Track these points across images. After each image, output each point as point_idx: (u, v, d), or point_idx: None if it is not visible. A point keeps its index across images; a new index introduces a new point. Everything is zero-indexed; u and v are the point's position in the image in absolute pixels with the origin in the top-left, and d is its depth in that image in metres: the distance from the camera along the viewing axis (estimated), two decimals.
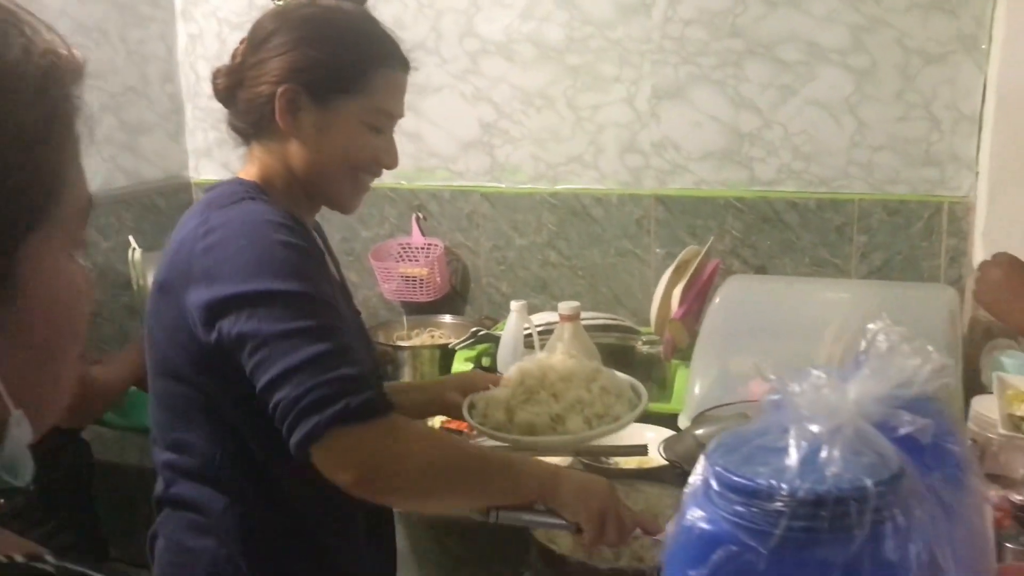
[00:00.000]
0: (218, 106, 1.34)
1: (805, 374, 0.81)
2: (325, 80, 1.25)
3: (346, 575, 1.33)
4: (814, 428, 0.73)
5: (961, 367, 1.81)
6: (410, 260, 2.54)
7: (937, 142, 2.11)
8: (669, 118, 2.28)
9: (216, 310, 1.14)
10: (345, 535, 1.33)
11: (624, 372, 1.96)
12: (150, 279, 1.78)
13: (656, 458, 1.64)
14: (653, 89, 2.28)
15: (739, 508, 0.72)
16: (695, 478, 0.79)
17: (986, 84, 2.03)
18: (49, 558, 0.53)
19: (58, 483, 1.66)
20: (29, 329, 0.54)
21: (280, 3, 1.40)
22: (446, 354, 2.20)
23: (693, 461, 1.51)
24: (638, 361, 2.00)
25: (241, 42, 1.32)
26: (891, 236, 2.17)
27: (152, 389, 1.29)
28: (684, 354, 2.04)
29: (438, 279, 2.48)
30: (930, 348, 0.88)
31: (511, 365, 1.93)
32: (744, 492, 0.72)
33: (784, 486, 0.70)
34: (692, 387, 1.83)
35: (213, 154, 2.67)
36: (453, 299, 2.55)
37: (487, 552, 1.70)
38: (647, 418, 1.85)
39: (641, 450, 1.70)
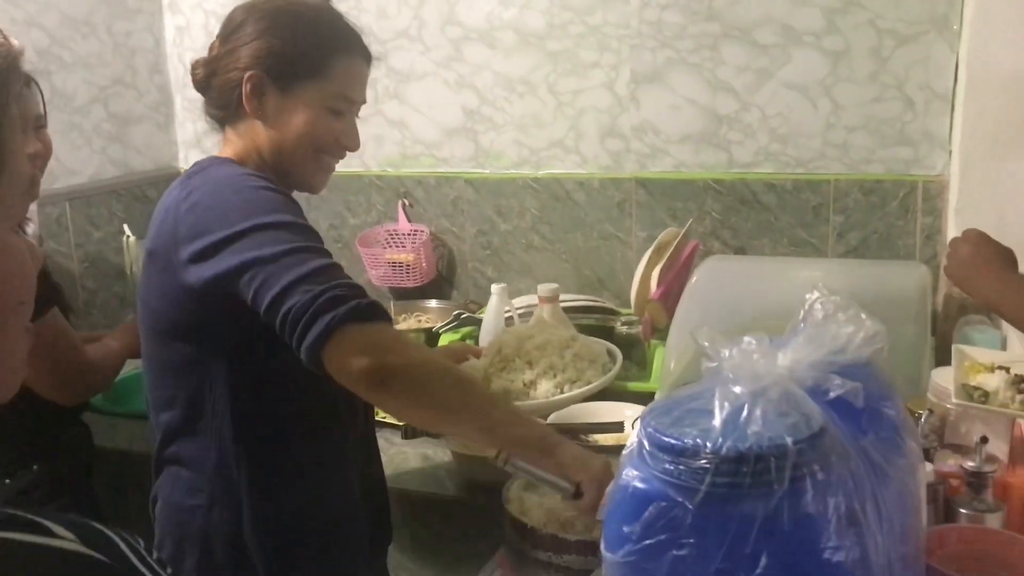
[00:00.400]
0: None
1: (736, 341, 0.85)
2: (287, 67, 1.33)
3: (341, 536, 1.39)
4: (737, 390, 0.77)
5: (933, 342, 1.85)
6: (397, 246, 2.58)
7: (911, 122, 2.14)
8: (648, 102, 2.31)
9: (210, 253, 1.19)
10: (340, 493, 1.39)
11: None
12: None
13: (632, 434, 1.68)
14: (632, 74, 2.31)
15: (668, 466, 0.76)
16: (632, 440, 0.82)
17: (958, 64, 2.06)
18: None
19: (61, 464, 1.70)
20: None
21: None
22: (431, 337, 2.24)
23: None
24: (618, 341, 2.03)
25: (218, 34, 1.39)
26: (867, 215, 2.20)
27: (145, 353, 1.36)
28: (663, 334, 2.07)
29: (424, 265, 2.52)
30: (864, 316, 0.92)
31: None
32: (672, 451, 0.76)
33: (708, 444, 0.74)
34: (668, 365, 1.86)
35: (202, 144, 2.70)
36: (439, 284, 2.59)
37: (469, 530, 1.74)
38: (626, 396, 1.90)
39: (617, 427, 1.74)
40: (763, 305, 1.94)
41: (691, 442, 0.75)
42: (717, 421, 0.75)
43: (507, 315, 1.99)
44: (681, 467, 0.75)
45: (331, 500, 1.38)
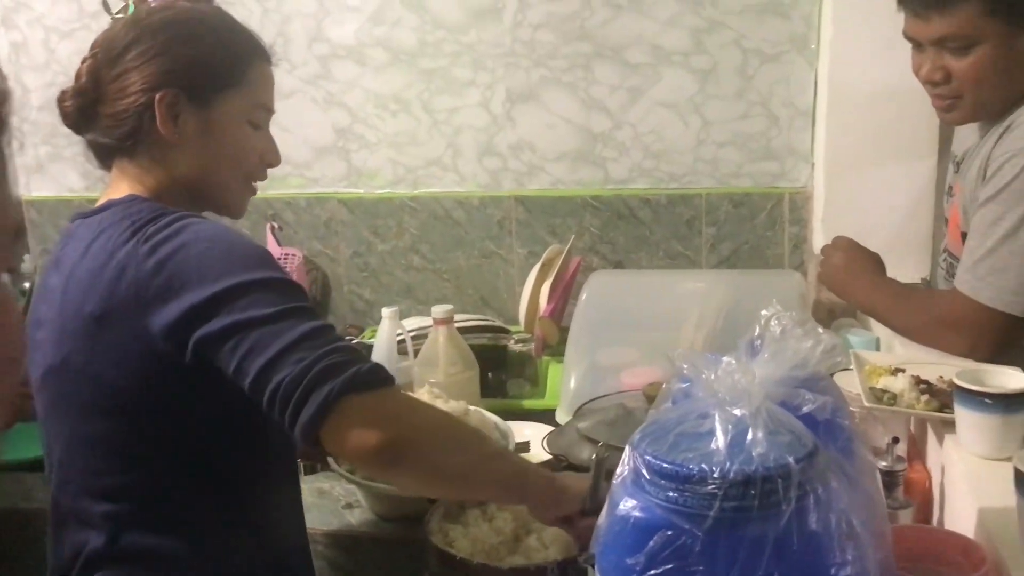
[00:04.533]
0: (49, 119, 1.27)
1: (714, 361, 0.85)
2: (204, 79, 1.21)
3: None
4: (737, 412, 0.77)
5: None
6: None
7: (776, 137, 2.24)
8: (524, 120, 2.32)
9: (191, 318, 1.06)
10: (307, 554, 1.33)
11: (497, 371, 2.00)
12: None
13: (540, 453, 1.67)
14: (507, 92, 2.31)
15: (672, 494, 0.75)
16: (623, 469, 0.81)
17: (817, 81, 2.18)
18: None
19: None
20: None
21: (119, 15, 1.33)
22: None
23: (577, 453, 1.55)
24: (511, 359, 2.02)
25: (84, 61, 1.24)
26: (737, 227, 2.29)
27: (81, 433, 1.18)
28: (554, 350, 2.08)
29: None
30: (820, 330, 0.95)
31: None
32: (676, 478, 0.75)
33: (715, 469, 0.74)
34: (567, 382, 1.87)
35: (46, 170, 2.51)
36: (315, 309, 2.50)
37: (378, 565, 1.68)
38: (522, 414, 1.89)
39: (524, 447, 1.73)
40: (652, 317, 1.99)
41: (696, 468, 0.74)
42: (720, 444, 0.75)
43: (399, 339, 1.94)
44: (687, 494, 0.74)
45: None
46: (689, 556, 0.74)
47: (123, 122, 1.20)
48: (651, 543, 0.75)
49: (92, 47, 1.25)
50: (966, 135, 1.67)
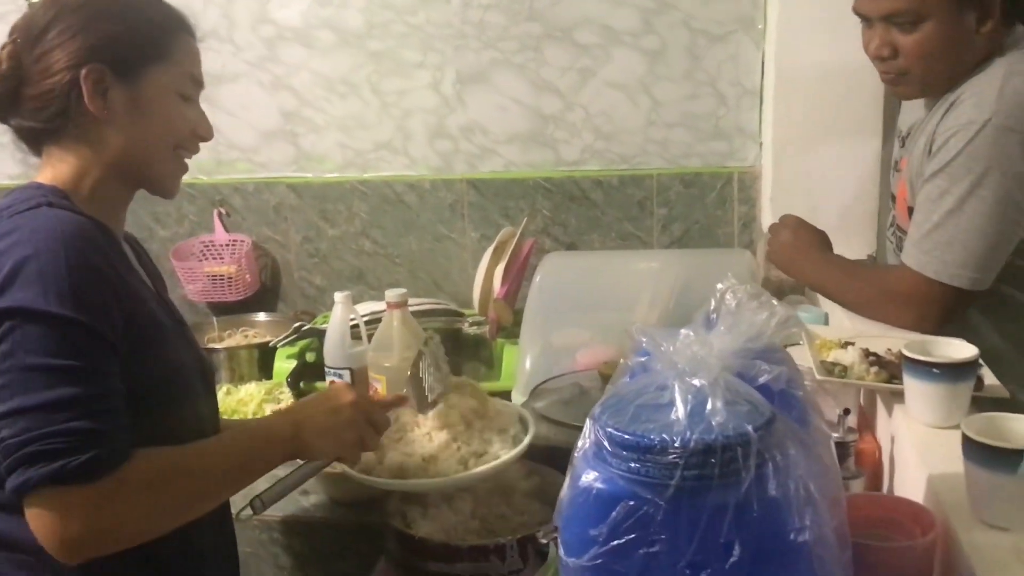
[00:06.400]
0: None
1: (673, 334, 0.86)
2: (130, 52, 1.18)
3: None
4: (696, 382, 0.77)
5: None
6: (215, 258, 2.43)
7: (724, 117, 2.26)
8: (475, 102, 2.31)
9: None
10: (185, 546, 1.26)
11: (453, 355, 1.97)
12: None
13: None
14: (457, 74, 2.29)
15: (633, 464, 0.75)
16: (583, 442, 0.81)
17: (764, 61, 2.20)
18: None
19: None
20: None
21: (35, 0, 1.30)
22: (266, 353, 2.13)
23: (535, 433, 1.55)
24: (466, 342, 2.02)
25: (3, 47, 1.20)
26: (688, 207, 2.31)
27: None
28: (508, 332, 2.08)
29: (247, 276, 2.40)
30: (774, 302, 0.96)
31: (339, 358, 1.92)
32: (637, 449, 0.75)
33: (676, 439, 0.74)
34: (523, 363, 1.87)
35: None
36: (264, 296, 2.47)
37: (334, 549, 1.67)
38: None
39: None
40: (606, 297, 2.00)
41: (657, 438, 0.74)
42: (680, 414, 0.75)
43: (352, 324, 1.92)
44: (649, 464, 0.74)
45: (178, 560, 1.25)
46: (651, 525, 0.74)
47: (50, 102, 1.17)
48: (613, 514, 0.75)
49: (11, 32, 1.21)
50: (911, 110, 1.70)
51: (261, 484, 1.25)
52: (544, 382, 1.74)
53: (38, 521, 1.04)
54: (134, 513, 1.09)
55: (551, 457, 1.46)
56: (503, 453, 1.39)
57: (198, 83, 1.28)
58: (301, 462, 1.30)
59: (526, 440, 1.41)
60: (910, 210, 1.59)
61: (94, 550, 1.07)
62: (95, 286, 1.09)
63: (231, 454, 1.21)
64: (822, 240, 1.79)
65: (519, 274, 2.15)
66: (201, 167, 2.41)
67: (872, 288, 1.60)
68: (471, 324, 2.06)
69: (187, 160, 1.28)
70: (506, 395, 1.86)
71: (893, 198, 1.74)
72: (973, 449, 1.02)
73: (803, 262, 1.78)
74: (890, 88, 1.64)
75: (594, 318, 1.95)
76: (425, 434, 1.40)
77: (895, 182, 1.72)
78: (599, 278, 2.06)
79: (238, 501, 1.29)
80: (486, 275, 2.11)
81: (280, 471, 1.28)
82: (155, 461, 1.11)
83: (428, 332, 1.47)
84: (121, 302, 1.12)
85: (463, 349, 2.02)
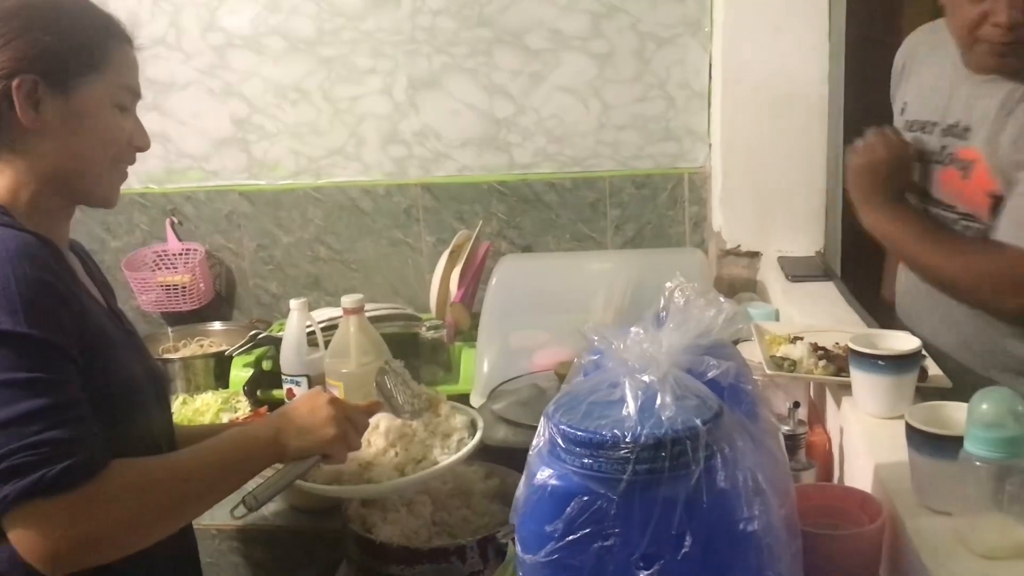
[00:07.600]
0: None
1: (623, 332, 0.88)
2: (64, 63, 1.16)
3: None
4: (646, 379, 0.79)
5: None
6: (168, 268, 2.41)
7: (673, 118, 2.29)
8: (427, 107, 2.32)
9: None
10: (145, 556, 1.25)
11: (410, 359, 1.98)
12: None
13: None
14: (409, 79, 2.30)
15: (587, 460, 0.77)
16: (538, 440, 0.83)
17: (711, 63, 2.23)
18: None
19: None
20: None
21: None
22: (222, 362, 2.12)
23: (493, 435, 1.57)
24: (424, 347, 2.03)
25: None
26: (640, 208, 2.34)
27: None
28: (466, 335, 2.09)
29: (201, 285, 2.38)
30: (722, 299, 0.98)
31: (296, 365, 1.91)
32: (590, 445, 0.77)
33: (627, 434, 0.76)
34: (480, 366, 1.89)
35: None
36: (219, 305, 2.46)
37: (295, 556, 1.67)
38: None
39: None
40: (562, 299, 2.02)
41: (609, 434, 0.76)
42: (631, 410, 0.77)
43: (309, 331, 1.92)
44: (601, 459, 0.76)
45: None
46: (605, 519, 0.76)
47: None
48: (568, 509, 0.77)
49: None
50: (922, 103, 1.67)
51: (250, 485, 1.25)
52: (502, 384, 1.75)
53: (20, 538, 1.02)
54: (117, 521, 1.07)
55: (510, 458, 1.48)
56: (443, 459, 1.38)
57: (135, 93, 1.26)
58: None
59: (467, 448, 1.40)
60: (993, 197, 1.52)
61: (80, 561, 1.05)
62: (47, 300, 1.07)
63: (213, 460, 1.20)
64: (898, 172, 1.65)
65: (475, 277, 2.16)
66: (152, 176, 2.40)
67: (987, 268, 1.50)
68: (428, 328, 2.07)
69: (129, 169, 1.27)
70: (464, 398, 1.87)
71: (921, 189, 1.68)
72: (916, 437, 1.06)
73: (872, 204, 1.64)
74: (997, 59, 1.50)
75: (551, 319, 1.96)
76: (363, 440, 1.40)
77: (954, 171, 1.61)
78: (555, 279, 2.08)
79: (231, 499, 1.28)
80: (442, 279, 2.12)
81: (269, 472, 1.28)
82: (136, 468, 1.10)
83: (384, 360, 1.46)
84: (73, 315, 1.11)
85: (421, 354, 2.03)
